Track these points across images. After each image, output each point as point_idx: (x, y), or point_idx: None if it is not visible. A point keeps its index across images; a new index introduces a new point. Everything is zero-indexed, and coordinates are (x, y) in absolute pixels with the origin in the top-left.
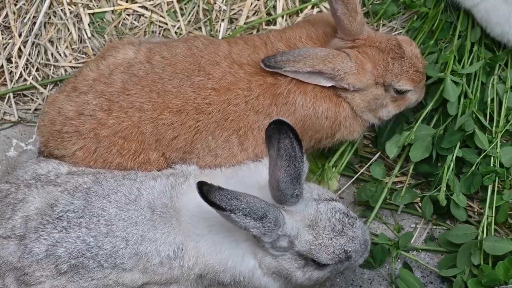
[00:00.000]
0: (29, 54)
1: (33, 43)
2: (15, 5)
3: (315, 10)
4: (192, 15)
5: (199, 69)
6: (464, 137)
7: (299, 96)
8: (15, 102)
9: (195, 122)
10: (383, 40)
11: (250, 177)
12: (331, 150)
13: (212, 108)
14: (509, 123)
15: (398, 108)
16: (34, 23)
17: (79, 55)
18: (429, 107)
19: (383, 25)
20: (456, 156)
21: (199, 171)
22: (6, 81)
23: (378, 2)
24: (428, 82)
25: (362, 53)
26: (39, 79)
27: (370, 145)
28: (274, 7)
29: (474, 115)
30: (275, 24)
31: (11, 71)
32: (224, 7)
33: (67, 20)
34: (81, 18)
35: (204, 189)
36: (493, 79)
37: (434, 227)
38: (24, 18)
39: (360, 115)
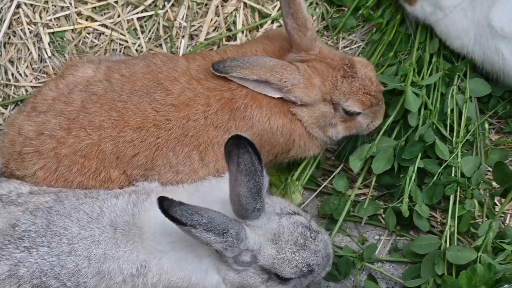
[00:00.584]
0: None
1: None
2: None
3: (275, 25)
4: (152, 32)
5: (158, 86)
6: (425, 148)
7: (255, 111)
8: None
9: (156, 139)
10: (335, 58)
11: (212, 192)
12: (294, 164)
13: (172, 124)
14: (469, 133)
15: (348, 130)
16: None
17: (39, 74)
18: (390, 119)
19: (343, 38)
20: (418, 167)
21: (161, 188)
22: None
23: (337, 15)
24: (386, 88)
25: (312, 67)
26: (0, 99)
27: (333, 158)
28: (234, 22)
29: (434, 126)
30: (235, 39)
31: None
32: (184, 24)
33: (27, 39)
34: (41, 38)
35: (165, 205)
36: (453, 89)
37: (398, 238)
38: None
39: (310, 131)
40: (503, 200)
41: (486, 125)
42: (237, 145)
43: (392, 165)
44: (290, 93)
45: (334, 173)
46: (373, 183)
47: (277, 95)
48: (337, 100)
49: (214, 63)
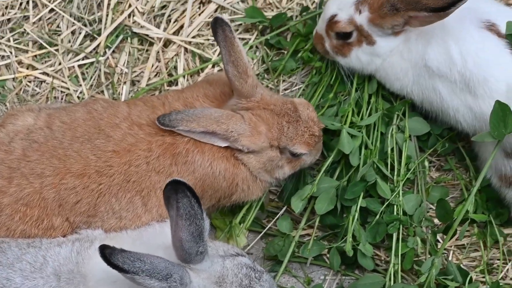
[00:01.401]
0: None
1: None
2: None
3: (216, 69)
4: (94, 79)
5: (99, 132)
6: (367, 187)
7: (197, 156)
8: None
9: (98, 185)
10: (278, 103)
11: (156, 237)
12: (238, 207)
13: (114, 170)
14: (410, 171)
15: (293, 168)
16: None
17: None
18: (330, 159)
19: (283, 80)
20: (361, 206)
21: (104, 235)
22: None
23: (277, 58)
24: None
25: (256, 115)
26: None
27: (276, 200)
28: (175, 67)
29: (375, 165)
30: (177, 84)
31: None
32: (126, 70)
33: None
34: None
35: (107, 252)
36: (392, 128)
37: (343, 277)
38: None
39: (256, 175)
40: (445, 236)
41: (426, 163)
42: (175, 190)
43: (335, 205)
44: (236, 142)
45: (278, 215)
46: (316, 223)
47: (224, 144)
48: (284, 145)
49: (160, 117)
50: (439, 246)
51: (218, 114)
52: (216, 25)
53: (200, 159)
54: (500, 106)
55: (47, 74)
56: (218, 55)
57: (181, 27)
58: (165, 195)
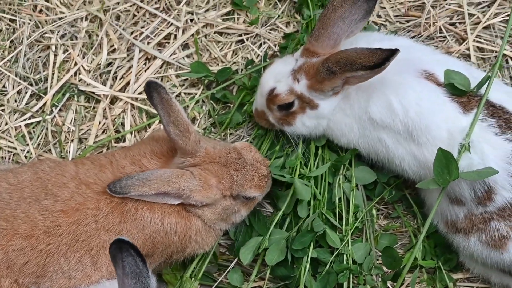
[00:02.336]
0: None
1: None
2: None
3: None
4: (41, 138)
5: (47, 192)
6: (316, 238)
7: (146, 213)
8: None
9: (46, 246)
10: (222, 154)
11: None
12: (189, 260)
13: (62, 230)
14: (358, 220)
15: (249, 209)
16: None
17: None
18: (281, 212)
19: (231, 134)
20: (311, 257)
21: None
22: None
23: (224, 112)
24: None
25: (205, 170)
26: None
27: (227, 253)
28: (123, 124)
29: (323, 216)
30: (124, 141)
31: None
32: (73, 128)
33: None
34: None
35: None
36: (339, 178)
37: None
38: None
39: (213, 226)
40: (395, 284)
41: (374, 211)
42: (120, 249)
43: (285, 256)
44: (189, 199)
45: (229, 268)
46: (267, 275)
47: (177, 202)
48: (236, 193)
49: (110, 185)
50: None
51: (168, 174)
52: (150, 88)
53: (149, 216)
54: (443, 154)
55: None
56: None
57: (128, 83)
58: (111, 254)
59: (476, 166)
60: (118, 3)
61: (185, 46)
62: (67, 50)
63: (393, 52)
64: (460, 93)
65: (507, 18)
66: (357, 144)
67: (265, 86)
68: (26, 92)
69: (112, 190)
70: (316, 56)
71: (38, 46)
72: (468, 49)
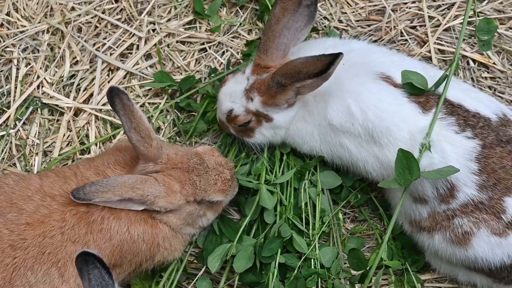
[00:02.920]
0: None
1: None
2: None
3: None
4: (5, 152)
5: (11, 206)
6: (284, 243)
7: (113, 222)
8: None
9: (12, 259)
10: (184, 160)
11: None
12: (158, 270)
13: (28, 243)
14: (325, 225)
15: (216, 212)
16: None
17: None
18: (247, 218)
19: (196, 142)
20: (279, 262)
21: None
22: None
23: (188, 120)
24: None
25: (168, 176)
26: None
27: (195, 261)
28: (87, 136)
29: (290, 221)
30: (89, 152)
31: None
32: (37, 141)
33: None
34: None
35: None
36: (305, 184)
37: None
38: None
39: (178, 231)
40: (362, 285)
41: (340, 215)
42: (85, 261)
43: (253, 263)
44: (154, 205)
45: (197, 276)
46: (236, 282)
47: (141, 208)
48: (199, 198)
49: (74, 191)
50: None
51: (132, 181)
52: (112, 94)
53: (116, 225)
54: (403, 154)
55: None
56: None
57: (91, 95)
58: (77, 266)
59: (437, 165)
60: (79, 15)
61: (148, 56)
62: (29, 64)
63: (336, 56)
64: (418, 92)
65: (469, 19)
66: (319, 151)
67: (223, 106)
68: None
69: (76, 196)
70: (267, 70)
71: (0, 60)
72: (429, 51)
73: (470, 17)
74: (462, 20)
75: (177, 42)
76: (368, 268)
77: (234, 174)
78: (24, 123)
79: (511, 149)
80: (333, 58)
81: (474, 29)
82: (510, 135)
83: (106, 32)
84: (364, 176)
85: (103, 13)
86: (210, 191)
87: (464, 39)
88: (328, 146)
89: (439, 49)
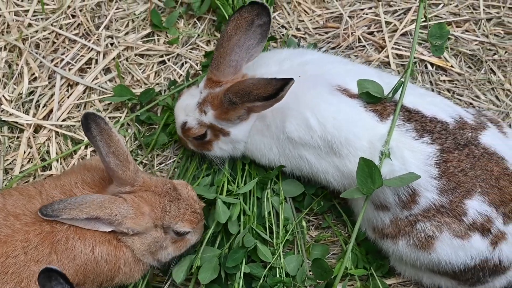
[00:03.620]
0: None
1: None
2: None
3: (89, 150)
4: None
5: None
6: (249, 253)
7: (78, 242)
8: None
9: None
10: (158, 184)
11: None
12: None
13: None
14: (288, 233)
15: (178, 250)
16: None
17: None
18: (211, 230)
19: (158, 155)
20: (244, 272)
21: None
22: None
23: (149, 133)
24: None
25: (139, 197)
26: None
27: (161, 274)
28: (48, 152)
29: (254, 231)
30: (50, 169)
31: None
32: None
33: None
34: None
35: None
36: (267, 193)
37: None
38: None
39: (140, 258)
40: None
41: (304, 223)
42: (49, 278)
43: (219, 274)
44: (121, 225)
45: None
46: None
47: (109, 229)
48: (168, 224)
49: (42, 208)
50: None
51: (100, 200)
52: (88, 120)
53: (81, 245)
54: (365, 163)
55: None
56: None
57: (51, 111)
58: (40, 283)
59: (398, 172)
60: (36, 31)
61: (107, 70)
62: None
63: (287, 82)
64: (375, 100)
65: (423, 24)
66: (278, 163)
67: (177, 120)
68: None
69: (43, 213)
70: (219, 85)
71: None
72: (387, 56)
73: (425, 21)
74: (430, 27)
75: (135, 55)
76: (333, 277)
77: (203, 217)
78: None
79: (469, 152)
80: (284, 84)
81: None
82: (467, 138)
83: (64, 47)
84: (325, 185)
85: (60, 28)
86: (179, 219)
87: (421, 43)
88: (287, 159)
89: (397, 54)
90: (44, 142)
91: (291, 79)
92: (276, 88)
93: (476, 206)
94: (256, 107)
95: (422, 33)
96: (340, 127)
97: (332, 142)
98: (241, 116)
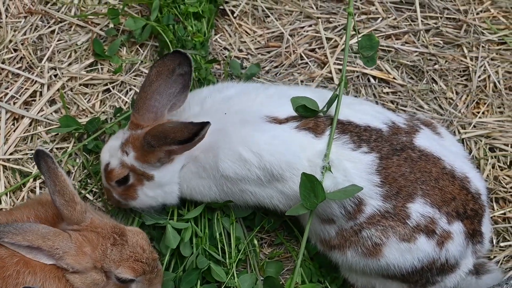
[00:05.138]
0: None
1: None
2: None
3: (38, 182)
4: None
5: None
6: (203, 274)
7: (28, 277)
8: None
9: None
10: (106, 227)
11: None
12: None
13: None
14: (240, 252)
15: None
16: None
17: None
18: (167, 256)
19: None
20: None
21: None
22: None
23: (97, 162)
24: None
25: (83, 236)
26: None
27: None
28: None
29: (206, 252)
30: (0, 202)
31: None
32: None
33: None
34: None
35: None
36: (217, 214)
37: None
38: None
39: None
40: None
41: (256, 241)
42: None
43: None
44: (61, 260)
45: None
46: None
47: (49, 262)
48: (108, 268)
49: None
50: None
51: (45, 231)
52: (38, 157)
53: (31, 280)
54: (307, 178)
55: None
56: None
57: None
58: None
59: (342, 184)
60: None
61: (52, 101)
62: None
63: (203, 126)
64: (311, 114)
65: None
66: (221, 200)
67: (102, 161)
68: None
69: None
70: (140, 128)
71: None
72: (330, 72)
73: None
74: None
75: (80, 85)
76: None
77: (157, 269)
78: None
79: (407, 156)
80: (200, 128)
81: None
82: (403, 142)
83: (8, 81)
84: (271, 209)
85: (3, 63)
86: (119, 264)
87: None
88: (229, 196)
89: (339, 69)
90: None
91: (207, 123)
92: (193, 132)
93: (418, 209)
94: (174, 150)
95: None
96: (277, 152)
97: (272, 169)
98: (161, 158)
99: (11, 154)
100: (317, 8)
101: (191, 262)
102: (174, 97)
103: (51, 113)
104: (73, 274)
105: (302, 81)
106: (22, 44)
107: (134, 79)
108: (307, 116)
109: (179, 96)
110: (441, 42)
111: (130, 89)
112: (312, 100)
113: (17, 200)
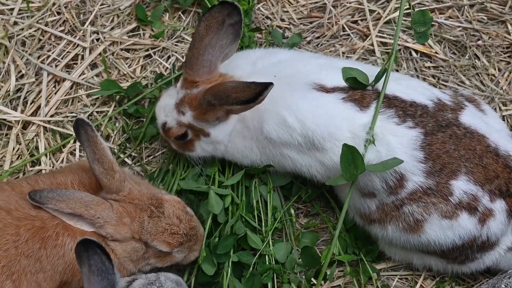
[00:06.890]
0: None
1: None
2: None
3: (77, 144)
4: None
5: None
6: (239, 241)
7: (67, 239)
8: None
9: None
10: (143, 198)
11: None
12: None
13: None
14: (277, 221)
15: (161, 263)
16: None
17: None
18: (209, 221)
19: (146, 147)
20: (235, 261)
21: None
22: None
23: (137, 126)
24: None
25: (122, 207)
26: None
27: None
28: (37, 148)
29: (243, 219)
30: (40, 164)
31: None
32: None
33: None
34: None
35: None
36: (255, 182)
37: None
38: None
39: (122, 263)
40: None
41: (292, 211)
42: (86, 248)
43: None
44: (102, 229)
45: None
46: (192, 283)
47: (90, 229)
48: (145, 239)
49: (31, 192)
50: None
51: (88, 199)
52: (78, 126)
53: (71, 243)
54: (348, 149)
55: None
56: None
57: (39, 107)
58: (77, 253)
59: (385, 158)
60: (22, 29)
61: (93, 65)
62: None
63: (266, 86)
64: (360, 86)
65: (406, 11)
66: (260, 163)
67: (158, 121)
68: None
69: (31, 197)
70: (195, 85)
71: None
72: (372, 44)
73: (408, 8)
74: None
75: (121, 50)
76: (321, 265)
77: (198, 235)
78: None
79: (452, 133)
80: (263, 88)
81: None
82: (448, 119)
83: (50, 44)
84: (309, 179)
85: (46, 25)
86: (155, 237)
87: (405, 31)
88: (269, 158)
89: (381, 42)
90: (32, 138)
91: (270, 84)
92: (255, 92)
93: (462, 186)
94: (234, 110)
95: (405, 20)
96: (320, 122)
97: (313, 138)
98: (219, 117)
99: (51, 116)
100: None
101: (229, 228)
102: (225, 48)
103: (92, 77)
104: (114, 242)
105: (343, 53)
106: (65, 7)
107: (175, 45)
108: (356, 88)
109: (230, 46)
110: (485, 17)
111: (172, 55)
112: (363, 73)
113: (57, 162)
